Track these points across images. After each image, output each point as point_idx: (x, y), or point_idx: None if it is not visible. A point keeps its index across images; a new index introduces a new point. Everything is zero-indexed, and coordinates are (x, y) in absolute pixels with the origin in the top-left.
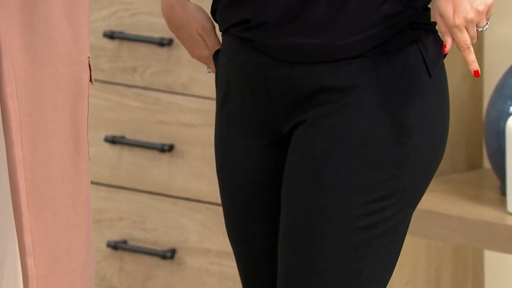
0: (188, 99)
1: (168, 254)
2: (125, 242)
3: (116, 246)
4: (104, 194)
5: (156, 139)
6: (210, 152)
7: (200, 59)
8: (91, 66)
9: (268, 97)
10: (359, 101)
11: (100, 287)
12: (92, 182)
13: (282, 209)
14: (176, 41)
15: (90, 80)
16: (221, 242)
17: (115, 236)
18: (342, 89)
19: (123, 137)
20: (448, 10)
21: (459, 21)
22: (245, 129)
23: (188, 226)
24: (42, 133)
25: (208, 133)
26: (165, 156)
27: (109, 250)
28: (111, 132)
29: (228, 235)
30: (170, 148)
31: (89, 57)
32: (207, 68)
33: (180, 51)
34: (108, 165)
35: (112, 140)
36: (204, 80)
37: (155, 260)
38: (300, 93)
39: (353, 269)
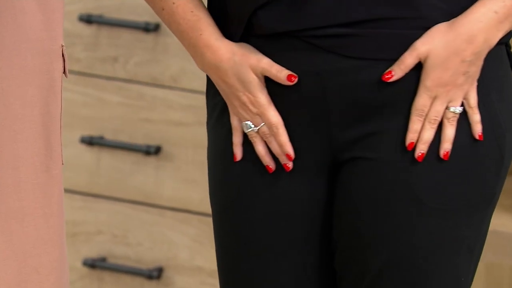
0: (178, 94)
1: (155, 274)
2: (104, 259)
3: (94, 264)
4: (80, 203)
5: (140, 140)
6: (202, 154)
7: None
8: (64, 55)
9: (325, 111)
10: None
11: None
12: (66, 190)
13: (355, 244)
14: (164, 26)
15: (64, 72)
16: (215, 259)
17: (92, 253)
18: None
19: (102, 138)
20: None
21: None
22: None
23: (177, 241)
24: (9, 133)
25: (201, 133)
26: (151, 160)
27: (85, 269)
28: (88, 132)
29: (231, 282)
30: (157, 150)
31: (62, 46)
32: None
33: (168, 38)
34: (84, 170)
35: (90, 141)
36: (195, 72)
37: (139, 280)
38: (375, 100)
39: None
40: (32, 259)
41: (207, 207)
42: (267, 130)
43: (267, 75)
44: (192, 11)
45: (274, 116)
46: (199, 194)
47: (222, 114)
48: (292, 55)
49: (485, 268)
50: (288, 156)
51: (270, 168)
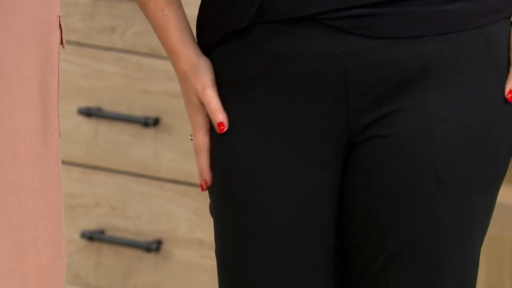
0: None
1: (153, 246)
2: (102, 232)
3: (92, 236)
4: (78, 176)
5: (139, 112)
6: None
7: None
8: (62, 26)
9: (344, 94)
10: (474, 78)
11: (73, 285)
12: (64, 162)
13: (371, 225)
14: None
15: (61, 43)
16: None
17: (91, 225)
18: (449, 67)
19: (100, 109)
20: None
21: None
22: (286, 140)
23: (176, 213)
24: (5, 106)
25: None
26: (150, 132)
27: (84, 241)
28: (86, 103)
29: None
30: (155, 122)
31: (59, 16)
32: (191, 136)
33: None
34: (82, 142)
35: (87, 113)
36: None
37: (137, 253)
38: (397, 79)
39: (468, 274)
40: (29, 232)
41: None
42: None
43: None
44: (162, 9)
45: (200, 138)
46: None
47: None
48: (309, 39)
49: (487, 240)
50: (205, 181)
51: (202, 187)
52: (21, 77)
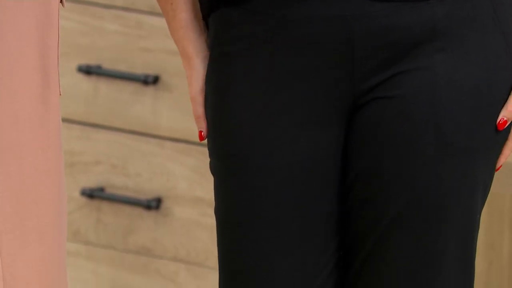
0: None
1: (153, 204)
2: (102, 189)
3: (92, 194)
4: (78, 133)
5: (138, 69)
6: None
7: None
8: None
9: (350, 56)
10: (480, 41)
11: (73, 243)
12: (64, 119)
13: (375, 185)
14: None
15: (61, 1)
16: None
17: (91, 183)
18: (456, 30)
19: (99, 67)
20: None
21: None
22: (290, 100)
23: (176, 171)
24: (4, 64)
25: None
26: (149, 90)
27: (84, 199)
28: (85, 61)
29: (236, 252)
30: (155, 80)
31: None
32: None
33: None
34: (82, 99)
35: (87, 71)
36: None
37: (137, 210)
38: (404, 42)
39: (470, 238)
40: (30, 191)
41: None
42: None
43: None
44: (171, 3)
45: (200, 126)
46: None
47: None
48: (315, 0)
49: (487, 198)
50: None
51: (202, 136)
52: (21, 36)
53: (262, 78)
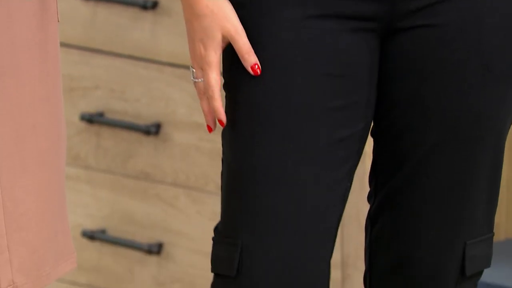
0: None
1: (152, 129)
2: (101, 114)
3: (92, 119)
4: (77, 58)
5: None
6: None
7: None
8: None
9: None
10: None
11: (73, 167)
12: (62, 44)
13: (414, 112)
14: None
15: None
16: None
17: (90, 108)
18: None
19: None
20: None
21: None
22: (328, 17)
23: (175, 96)
24: None
25: None
26: (148, 14)
27: (83, 124)
28: None
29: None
30: (154, 4)
31: None
32: (195, 78)
33: None
34: (81, 24)
35: None
36: None
37: (137, 135)
38: None
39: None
40: (28, 116)
41: None
42: (202, 88)
43: (232, 44)
44: None
45: (213, 78)
46: None
47: None
48: None
49: None
50: (220, 121)
51: (210, 128)
52: None
53: None
